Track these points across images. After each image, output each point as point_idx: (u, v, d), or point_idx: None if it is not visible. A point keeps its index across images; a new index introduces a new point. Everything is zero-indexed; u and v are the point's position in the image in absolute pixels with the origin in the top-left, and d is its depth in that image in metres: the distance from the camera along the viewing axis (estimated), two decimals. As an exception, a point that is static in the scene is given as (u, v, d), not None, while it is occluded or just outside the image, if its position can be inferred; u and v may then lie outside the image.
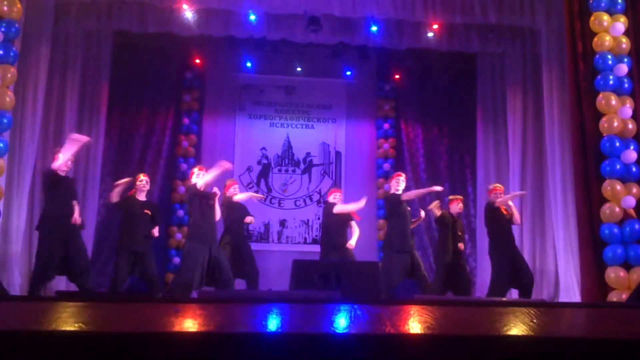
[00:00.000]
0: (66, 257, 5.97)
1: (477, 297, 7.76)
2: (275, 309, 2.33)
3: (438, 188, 7.08)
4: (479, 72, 9.31)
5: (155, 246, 7.14)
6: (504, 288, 6.75)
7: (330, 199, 7.26)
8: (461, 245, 7.32)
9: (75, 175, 7.96)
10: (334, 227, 7.03)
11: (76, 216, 6.08)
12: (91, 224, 8.09)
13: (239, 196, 7.05)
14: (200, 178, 6.37)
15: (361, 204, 7.00)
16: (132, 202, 6.67)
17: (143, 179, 6.81)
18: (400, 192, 6.97)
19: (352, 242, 7.04)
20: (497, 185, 7.32)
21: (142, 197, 6.77)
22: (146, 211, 6.68)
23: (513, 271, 6.70)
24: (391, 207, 7.02)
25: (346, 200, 7.57)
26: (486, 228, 7.05)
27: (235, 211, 6.95)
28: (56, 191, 5.99)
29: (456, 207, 7.44)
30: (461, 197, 7.75)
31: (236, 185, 7.26)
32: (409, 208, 7.04)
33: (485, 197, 8.87)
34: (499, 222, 6.89)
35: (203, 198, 6.32)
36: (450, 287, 7.15)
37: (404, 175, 7.27)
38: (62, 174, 6.08)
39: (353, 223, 7.19)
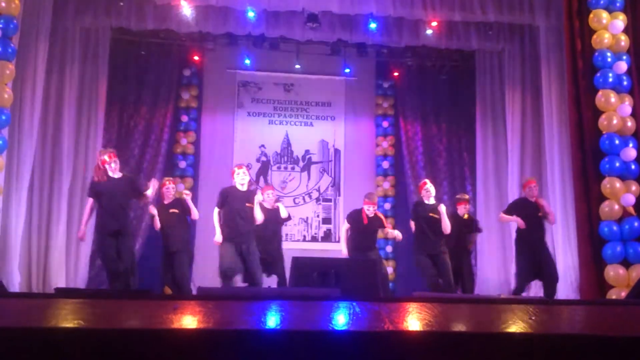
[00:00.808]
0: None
1: (476, 294, 7.77)
2: (274, 306, 2.33)
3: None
4: (478, 69, 9.30)
5: (156, 244, 7.19)
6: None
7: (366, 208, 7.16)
8: (469, 246, 7.44)
9: (73, 173, 7.97)
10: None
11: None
12: (91, 221, 8.07)
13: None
14: None
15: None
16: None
17: (169, 186, 7.22)
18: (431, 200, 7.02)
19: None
20: (531, 179, 7.26)
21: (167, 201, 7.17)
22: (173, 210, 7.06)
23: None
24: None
25: (346, 199, 7.56)
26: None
27: None
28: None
29: (463, 209, 7.49)
30: (467, 198, 7.77)
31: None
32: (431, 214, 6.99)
33: (485, 196, 8.91)
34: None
35: None
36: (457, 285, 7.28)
37: (427, 181, 7.24)
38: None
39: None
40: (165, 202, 7.14)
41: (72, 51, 7.98)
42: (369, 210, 7.05)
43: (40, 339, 1.63)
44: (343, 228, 7.37)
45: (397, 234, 7.20)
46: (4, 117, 6.32)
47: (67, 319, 1.95)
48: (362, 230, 7.03)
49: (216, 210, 6.44)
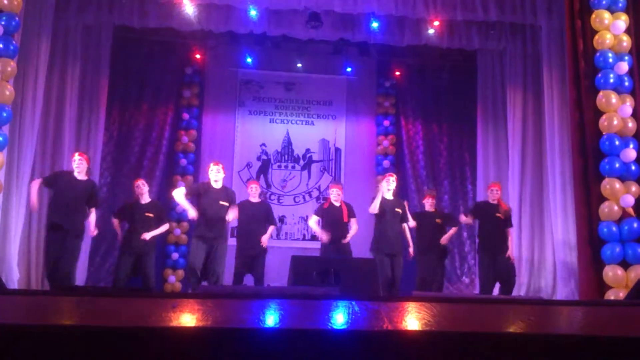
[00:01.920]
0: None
1: (475, 294, 7.77)
2: (273, 304, 2.33)
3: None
4: (479, 69, 9.30)
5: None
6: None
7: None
8: (442, 240, 7.42)
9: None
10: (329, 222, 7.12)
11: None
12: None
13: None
14: None
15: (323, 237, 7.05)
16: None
17: (139, 183, 7.15)
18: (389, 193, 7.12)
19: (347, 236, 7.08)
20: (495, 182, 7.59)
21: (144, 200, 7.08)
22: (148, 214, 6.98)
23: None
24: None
25: (346, 198, 7.55)
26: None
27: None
28: None
29: (427, 204, 7.70)
30: (433, 193, 7.93)
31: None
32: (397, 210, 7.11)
33: (486, 194, 8.90)
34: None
35: None
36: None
37: (394, 176, 7.37)
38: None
39: (352, 220, 7.21)
40: (142, 202, 7.06)
41: (73, 49, 7.99)
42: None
43: (39, 336, 1.63)
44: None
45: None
46: (5, 114, 6.32)
47: (65, 316, 1.95)
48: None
49: (182, 190, 6.75)
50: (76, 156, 6.49)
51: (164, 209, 7.51)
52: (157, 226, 7.00)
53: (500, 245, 7.03)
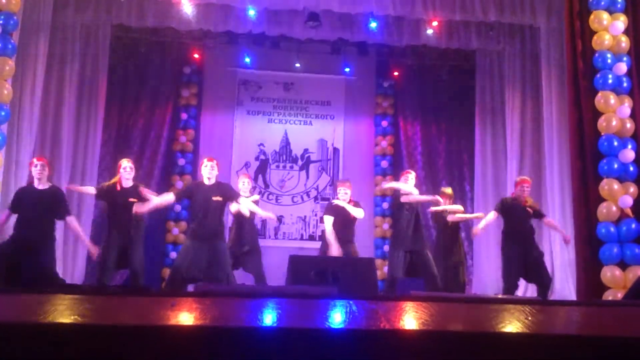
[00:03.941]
0: None
1: (473, 294, 7.77)
2: (271, 303, 2.33)
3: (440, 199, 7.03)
4: (478, 69, 9.31)
5: (152, 241, 7.15)
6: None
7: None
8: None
9: (73, 170, 7.97)
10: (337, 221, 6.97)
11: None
12: (89, 218, 8.09)
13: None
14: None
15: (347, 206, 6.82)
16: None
17: (126, 165, 6.33)
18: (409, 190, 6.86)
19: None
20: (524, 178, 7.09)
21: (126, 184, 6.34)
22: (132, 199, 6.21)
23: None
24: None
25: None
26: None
27: None
28: None
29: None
30: (448, 192, 7.54)
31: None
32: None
33: (484, 196, 8.91)
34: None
35: None
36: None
37: (413, 173, 7.11)
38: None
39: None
40: (124, 186, 6.24)
41: (72, 48, 7.98)
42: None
43: (37, 335, 1.63)
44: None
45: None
46: (3, 113, 6.32)
47: (64, 314, 1.95)
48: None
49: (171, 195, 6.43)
50: (35, 161, 6.01)
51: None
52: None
53: (530, 240, 6.65)
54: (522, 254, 6.55)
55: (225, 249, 6.18)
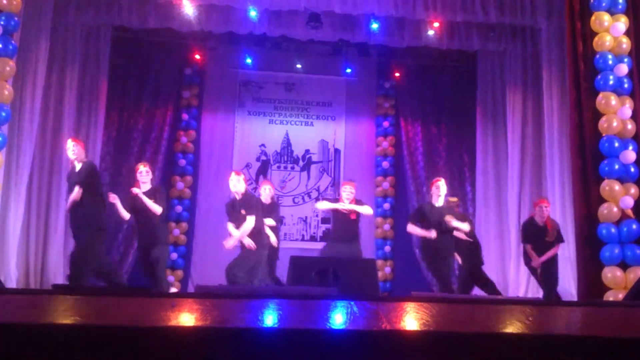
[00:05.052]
0: None
1: (474, 294, 7.76)
2: (272, 304, 2.33)
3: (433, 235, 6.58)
4: (479, 70, 9.31)
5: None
6: None
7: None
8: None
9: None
10: (337, 220, 6.92)
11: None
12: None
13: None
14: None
15: (346, 206, 6.71)
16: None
17: (142, 170, 6.44)
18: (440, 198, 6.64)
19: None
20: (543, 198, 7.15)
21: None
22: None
23: None
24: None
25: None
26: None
27: None
28: None
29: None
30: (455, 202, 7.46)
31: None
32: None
33: (485, 197, 8.91)
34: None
35: None
36: None
37: (442, 180, 6.80)
38: None
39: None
40: (142, 190, 6.34)
41: (73, 49, 7.99)
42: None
43: (38, 335, 1.63)
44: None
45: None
46: (4, 114, 6.32)
47: (65, 315, 1.95)
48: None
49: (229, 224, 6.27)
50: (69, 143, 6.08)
51: (163, 192, 6.69)
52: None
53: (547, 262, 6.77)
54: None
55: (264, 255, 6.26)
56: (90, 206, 5.83)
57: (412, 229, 6.67)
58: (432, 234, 6.38)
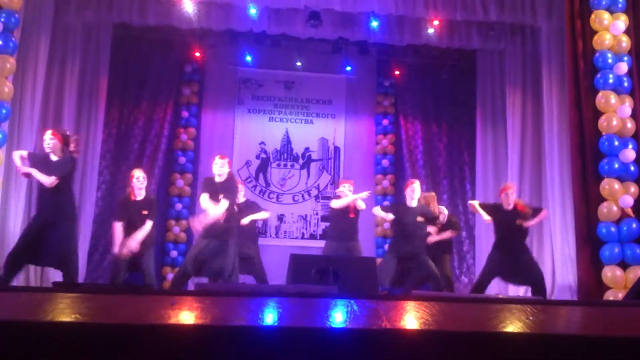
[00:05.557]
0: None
1: (474, 294, 7.76)
2: (272, 302, 2.33)
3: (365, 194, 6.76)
4: (479, 69, 9.31)
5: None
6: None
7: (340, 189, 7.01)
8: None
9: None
10: (336, 218, 6.91)
11: None
12: (89, 216, 8.10)
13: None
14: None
15: (361, 195, 6.71)
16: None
17: (139, 175, 6.20)
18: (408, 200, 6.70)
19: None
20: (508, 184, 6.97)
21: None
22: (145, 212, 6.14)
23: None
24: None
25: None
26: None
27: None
28: None
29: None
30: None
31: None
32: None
33: (485, 195, 8.90)
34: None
35: None
36: None
37: (417, 182, 6.84)
38: None
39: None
40: (137, 197, 6.09)
41: (73, 46, 7.97)
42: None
43: (38, 333, 1.63)
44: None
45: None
46: (4, 111, 6.32)
47: (65, 313, 1.95)
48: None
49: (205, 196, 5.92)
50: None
51: (156, 204, 6.48)
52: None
53: (519, 247, 6.37)
54: (507, 259, 6.36)
55: (232, 246, 5.96)
56: (67, 199, 5.70)
57: (377, 211, 7.00)
58: (389, 216, 6.82)
